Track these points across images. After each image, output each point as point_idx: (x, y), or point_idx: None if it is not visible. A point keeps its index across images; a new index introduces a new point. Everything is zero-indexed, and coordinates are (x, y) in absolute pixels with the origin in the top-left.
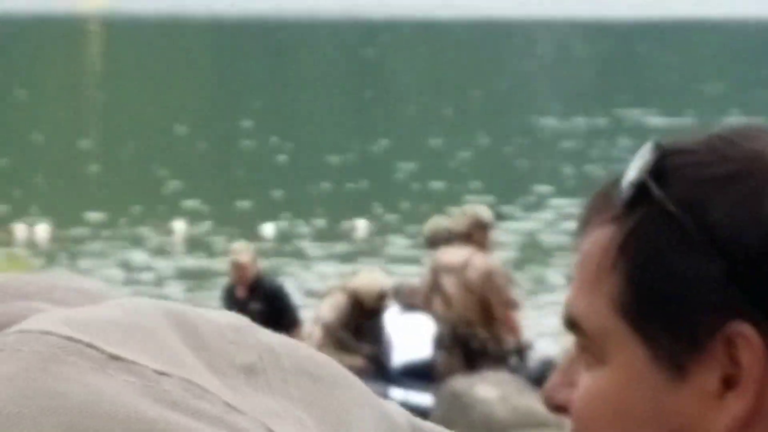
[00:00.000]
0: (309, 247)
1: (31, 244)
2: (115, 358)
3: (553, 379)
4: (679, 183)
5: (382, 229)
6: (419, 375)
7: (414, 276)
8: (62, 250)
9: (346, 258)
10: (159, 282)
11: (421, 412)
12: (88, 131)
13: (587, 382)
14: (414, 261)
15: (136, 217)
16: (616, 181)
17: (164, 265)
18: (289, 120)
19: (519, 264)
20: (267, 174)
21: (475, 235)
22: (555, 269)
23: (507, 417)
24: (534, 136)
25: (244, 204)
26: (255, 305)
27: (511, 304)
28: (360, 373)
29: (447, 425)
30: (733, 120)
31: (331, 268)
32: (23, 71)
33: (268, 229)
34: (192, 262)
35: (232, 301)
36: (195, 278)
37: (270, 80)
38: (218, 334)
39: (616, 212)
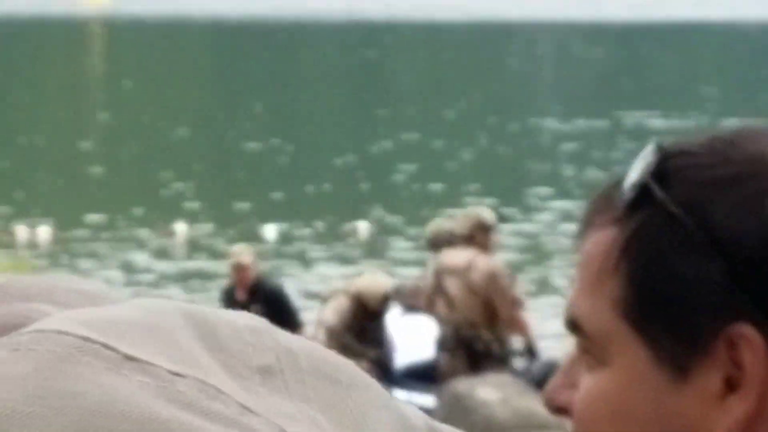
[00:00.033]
0: (310, 248)
1: (33, 246)
2: (131, 358)
3: (554, 381)
4: (681, 185)
5: (383, 231)
6: (422, 377)
7: (415, 278)
8: (63, 252)
9: (348, 260)
10: (160, 284)
11: None
12: (90, 133)
13: (589, 383)
14: (415, 263)
15: (138, 218)
16: (617, 183)
17: (165, 266)
18: (290, 121)
19: (520, 266)
20: (268, 176)
21: (478, 237)
22: (556, 271)
23: (508, 419)
24: (534, 137)
25: (245, 205)
26: (255, 308)
27: (517, 304)
28: None
29: None
30: (734, 122)
31: (332, 270)
32: (24, 72)
33: (270, 230)
34: (193, 263)
35: (232, 304)
36: (196, 280)
37: (271, 82)
38: (236, 336)
39: (617, 214)
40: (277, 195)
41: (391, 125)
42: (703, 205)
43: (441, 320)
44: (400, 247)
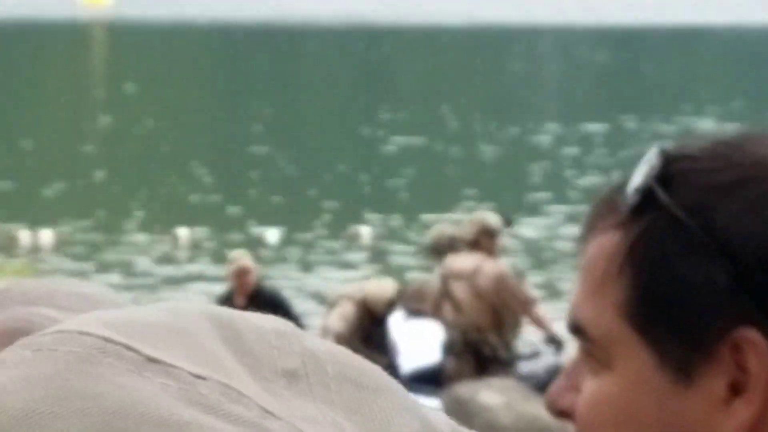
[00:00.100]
0: (312, 253)
1: (35, 250)
2: (153, 360)
3: (556, 385)
4: (686, 189)
5: (385, 236)
6: (427, 381)
7: (418, 282)
8: (66, 256)
9: (350, 264)
10: (162, 288)
11: None
12: (92, 137)
13: (592, 387)
14: (418, 268)
15: (140, 222)
16: (620, 187)
17: (168, 271)
18: (292, 125)
19: (521, 270)
20: (270, 179)
21: (483, 241)
22: (558, 275)
23: (511, 423)
24: (536, 141)
25: (247, 209)
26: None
27: (530, 302)
28: None
29: None
30: (736, 126)
31: (334, 275)
32: (26, 76)
33: (272, 235)
34: (196, 268)
35: None
36: (198, 284)
37: (274, 85)
38: (262, 339)
39: (621, 218)
40: (279, 199)
41: (393, 129)
42: (708, 209)
43: (448, 324)
44: (402, 251)
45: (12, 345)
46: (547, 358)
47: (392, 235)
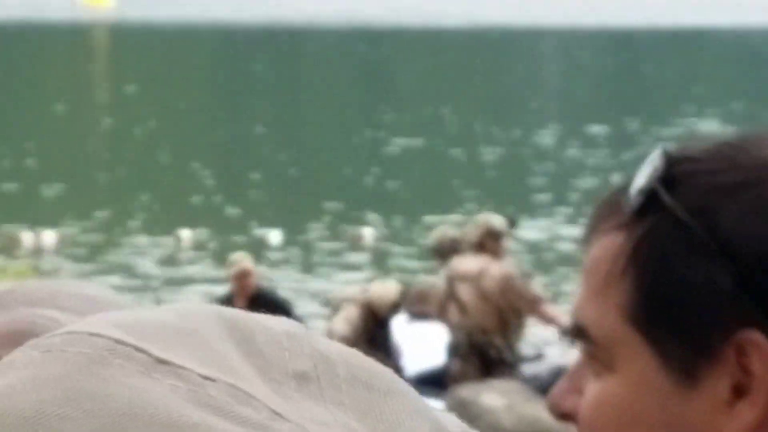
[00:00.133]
0: (315, 254)
1: (38, 252)
2: (163, 362)
3: (559, 387)
4: (690, 190)
5: (388, 237)
6: (431, 383)
7: (420, 284)
8: (68, 257)
9: (352, 266)
10: (165, 289)
11: None
12: (94, 138)
13: (595, 389)
14: (421, 269)
15: (142, 224)
16: (623, 189)
17: (170, 272)
18: (294, 127)
19: (528, 270)
20: (273, 181)
21: (488, 243)
22: (560, 278)
23: (513, 426)
24: (538, 143)
25: (249, 211)
26: None
27: (539, 300)
28: None
29: None
30: (739, 128)
31: (337, 276)
32: (27, 77)
33: (274, 236)
34: (198, 269)
35: None
36: (201, 286)
37: (275, 87)
38: (273, 341)
39: (624, 220)
40: (282, 200)
41: (395, 130)
42: (712, 211)
43: (453, 326)
44: (404, 252)
45: (21, 346)
46: (551, 360)
47: (395, 236)
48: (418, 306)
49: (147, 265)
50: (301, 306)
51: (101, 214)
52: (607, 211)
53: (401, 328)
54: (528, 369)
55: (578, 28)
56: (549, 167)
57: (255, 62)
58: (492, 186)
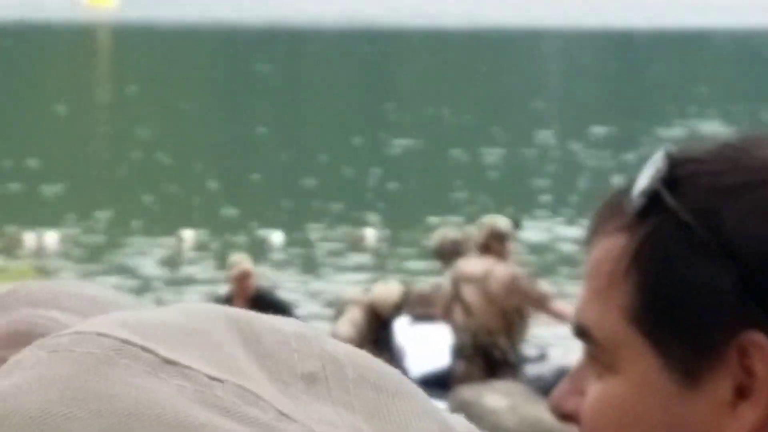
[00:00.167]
0: (317, 255)
1: (40, 252)
2: (170, 362)
3: (561, 388)
4: (693, 192)
5: (390, 238)
6: (436, 385)
7: (423, 286)
8: (70, 258)
9: (355, 267)
10: (167, 290)
11: None
12: (96, 139)
13: (597, 390)
14: (422, 270)
15: (145, 224)
16: (625, 190)
17: (172, 273)
18: (296, 127)
19: (534, 270)
20: (275, 182)
21: (493, 245)
22: (563, 279)
23: (516, 426)
24: (540, 145)
25: (252, 212)
26: None
27: (547, 298)
28: None
29: None
30: (742, 128)
31: (339, 277)
32: (29, 78)
33: (276, 237)
34: (200, 270)
35: None
36: (204, 286)
37: (277, 88)
38: (282, 342)
39: (627, 221)
40: (284, 201)
41: (397, 131)
42: (715, 212)
43: (458, 328)
44: (407, 254)
45: (29, 346)
46: (554, 361)
47: (396, 237)
48: (421, 308)
49: (149, 265)
50: (303, 307)
51: (103, 215)
52: (609, 212)
53: (404, 330)
54: (531, 370)
55: (579, 29)
56: (550, 168)
57: (256, 63)
58: (493, 187)
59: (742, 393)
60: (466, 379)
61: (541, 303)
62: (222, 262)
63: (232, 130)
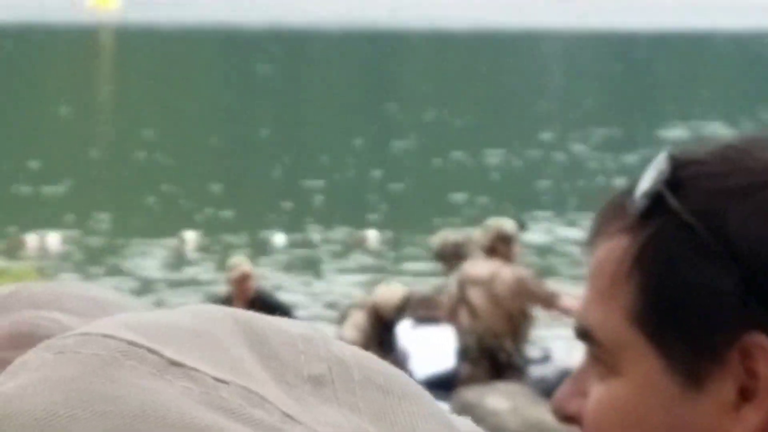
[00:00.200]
0: (319, 257)
1: (42, 254)
2: (175, 363)
3: (563, 389)
4: (696, 193)
5: (392, 240)
6: (441, 387)
7: (425, 288)
8: (72, 259)
9: (357, 269)
10: (170, 291)
11: None
12: (98, 140)
13: (600, 392)
14: (425, 272)
15: (147, 226)
16: (628, 192)
17: (175, 274)
18: (298, 129)
19: (540, 269)
20: (277, 183)
21: (500, 248)
22: (565, 280)
23: (518, 428)
24: (542, 146)
25: (254, 213)
26: None
27: (555, 296)
28: None
29: None
30: (744, 131)
31: (341, 279)
32: (32, 80)
33: (278, 239)
34: (203, 272)
35: None
36: (206, 288)
37: (280, 90)
38: (288, 344)
39: (629, 222)
40: (286, 203)
41: (399, 133)
42: (717, 214)
43: (463, 330)
44: (410, 256)
45: (34, 347)
46: (558, 362)
47: (399, 239)
48: (423, 310)
49: (151, 266)
50: (305, 308)
51: (105, 216)
52: (611, 214)
53: (407, 333)
54: (534, 371)
55: (581, 31)
56: (552, 170)
57: (258, 64)
58: (495, 189)
59: (745, 395)
60: (472, 381)
61: (549, 301)
62: (224, 263)
63: (234, 132)
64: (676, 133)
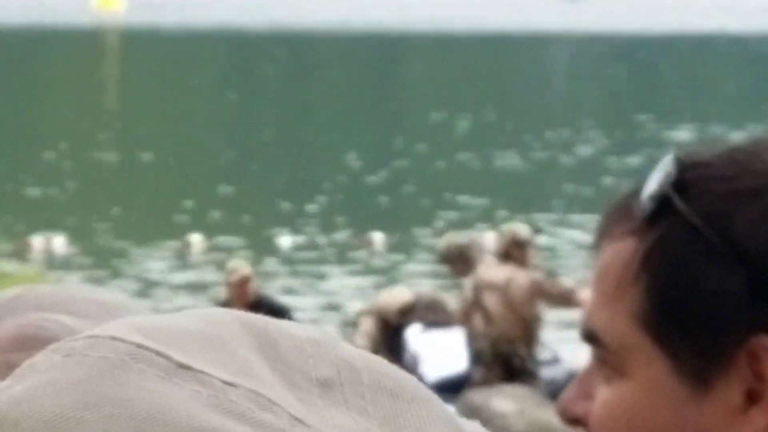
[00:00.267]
0: (325, 259)
1: (49, 256)
2: (184, 367)
3: (569, 391)
4: (703, 196)
5: (398, 243)
6: (452, 390)
7: (431, 291)
8: (79, 262)
9: (363, 271)
10: (176, 294)
11: None
12: (105, 144)
13: (606, 394)
14: (431, 274)
15: (153, 229)
16: (634, 194)
17: (181, 277)
18: (304, 131)
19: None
20: (283, 186)
21: (514, 253)
22: (571, 282)
23: (524, 431)
24: (548, 149)
25: (260, 216)
26: None
27: (573, 291)
28: None
29: None
30: (749, 133)
31: (347, 281)
32: (38, 82)
33: (284, 241)
34: (209, 274)
35: None
36: (212, 291)
37: (285, 92)
38: (297, 348)
39: (636, 225)
40: (292, 205)
41: (405, 135)
42: (725, 217)
43: (478, 335)
44: (416, 259)
45: (43, 350)
46: (566, 364)
47: (405, 241)
48: (432, 314)
49: (157, 269)
50: (311, 311)
51: (111, 219)
52: (617, 216)
53: (416, 337)
54: (544, 373)
55: (586, 33)
56: (558, 172)
57: (264, 67)
58: (501, 191)
59: (752, 397)
60: (485, 386)
61: (567, 299)
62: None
63: (239, 134)
64: (682, 134)
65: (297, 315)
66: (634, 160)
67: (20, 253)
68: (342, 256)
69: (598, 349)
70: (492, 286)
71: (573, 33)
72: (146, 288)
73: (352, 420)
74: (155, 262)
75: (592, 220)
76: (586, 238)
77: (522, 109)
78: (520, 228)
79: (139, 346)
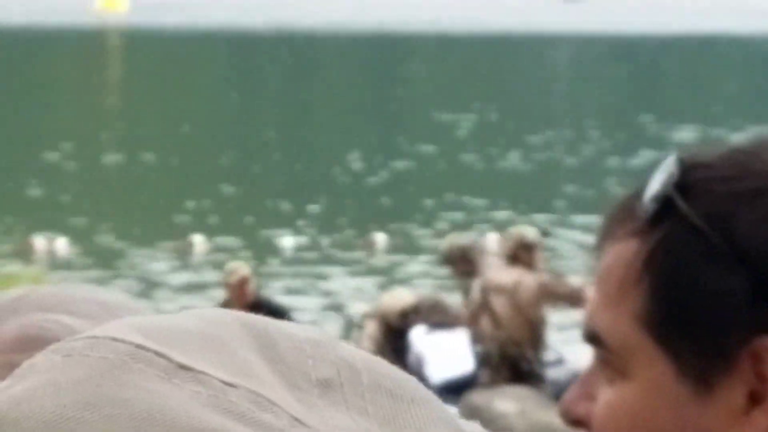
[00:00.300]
0: (327, 260)
1: (51, 257)
2: (184, 367)
3: (571, 393)
4: (705, 197)
5: (400, 244)
6: (457, 391)
7: (434, 292)
8: (81, 263)
9: (365, 272)
10: (178, 295)
11: None
12: (108, 144)
13: (609, 396)
14: (433, 276)
15: (156, 230)
16: (636, 195)
17: (183, 278)
18: (307, 132)
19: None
20: (285, 186)
21: (522, 256)
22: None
23: (525, 431)
24: (551, 150)
25: (262, 217)
26: None
27: (581, 290)
28: None
29: None
30: (752, 133)
31: (349, 282)
32: (40, 83)
33: (287, 242)
34: (210, 275)
35: None
36: (214, 292)
37: (288, 92)
38: (296, 348)
39: (638, 226)
40: (294, 206)
41: (407, 136)
42: (727, 218)
43: (485, 337)
44: (418, 260)
45: (43, 350)
46: (571, 365)
47: (407, 242)
48: (435, 316)
49: (159, 270)
50: (313, 312)
51: (114, 220)
52: (620, 217)
53: (421, 339)
54: (549, 374)
55: (588, 34)
56: (560, 173)
57: (266, 67)
58: (504, 192)
59: (755, 398)
60: (492, 387)
61: (576, 298)
62: None
63: (241, 134)
64: (683, 135)
65: (299, 316)
66: (636, 161)
67: (22, 254)
68: (344, 256)
69: (600, 350)
70: (500, 289)
71: (574, 33)
72: (148, 288)
73: (352, 420)
74: (157, 263)
75: (594, 220)
76: (588, 239)
77: (524, 110)
78: (528, 230)
79: (139, 346)
